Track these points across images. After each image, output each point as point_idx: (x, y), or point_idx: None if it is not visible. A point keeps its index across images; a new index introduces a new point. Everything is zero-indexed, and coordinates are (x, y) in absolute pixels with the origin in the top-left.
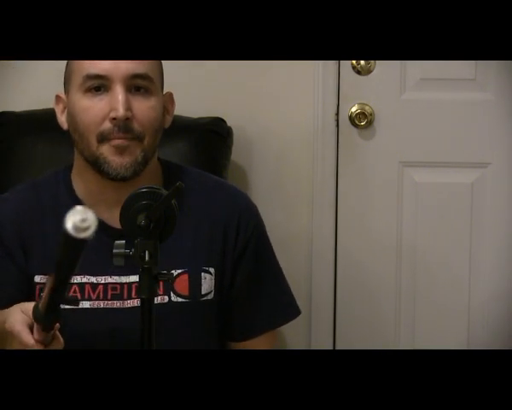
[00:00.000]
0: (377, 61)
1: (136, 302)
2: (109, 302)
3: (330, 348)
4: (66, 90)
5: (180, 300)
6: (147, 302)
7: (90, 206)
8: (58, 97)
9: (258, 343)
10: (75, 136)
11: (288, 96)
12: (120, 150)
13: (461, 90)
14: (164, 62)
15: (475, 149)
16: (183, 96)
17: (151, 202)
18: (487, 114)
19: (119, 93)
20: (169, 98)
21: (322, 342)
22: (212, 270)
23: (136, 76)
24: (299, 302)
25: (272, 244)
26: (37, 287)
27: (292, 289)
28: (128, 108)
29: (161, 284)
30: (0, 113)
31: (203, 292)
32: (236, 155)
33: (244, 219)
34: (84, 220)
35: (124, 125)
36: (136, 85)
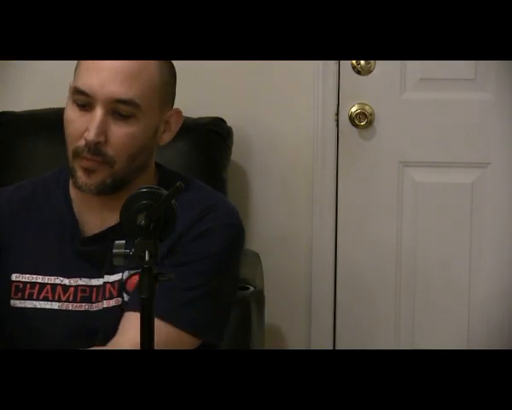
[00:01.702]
0: (377, 61)
1: (100, 305)
2: (77, 304)
3: (330, 348)
4: None
5: None
6: (147, 302)
7: (79, 209)
8: (70, 88)
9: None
10: (65, 138)
11: (287, 96)
12: (88, 172)
13: (461, 90)
14: None
15: (475, 149)
16: (183, 96)
17: (151, 201)
18: (487, 114)
19: (97, 115)
20: (175, 115)
21: (322, 342)
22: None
23: (119, 101)
24: (299, 302)
25: (272, 245)
26: (13, 285)
27: (292, 289)
28: (102, 132)
29: (116, 286)
30: (0, 113)
31: None
32: (236, 155)
33: (205, 219)
34: None
35: (94, 148)
36: (119, 111)
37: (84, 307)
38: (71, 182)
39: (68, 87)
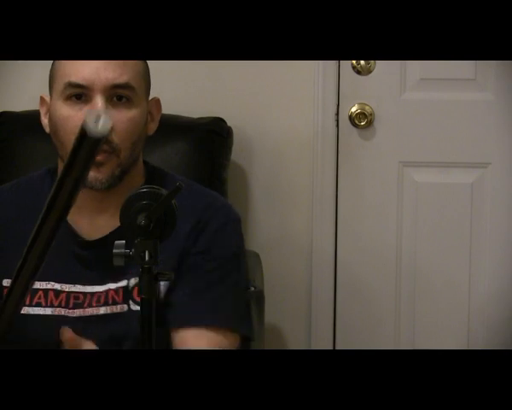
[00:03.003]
0: (377, 61)
1: (94, 311)
2: (70, 311)
3: (330, 348)
4: (50, 93)
5: (138, 308)
6: (147, 302)
7: (71, 212)
8: (42, 99)
9: (195, 338)
10: (56, 141)
11: (287, 96)
12: (97, 166)
13: (461, 90)
14: (164, 63)
15: (475, 149)
16: (183, 96)
17: (151, 201)
18: (487, 114)
19: (98, 103)
20: (155, 104)
21: (322, 342)
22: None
23: (116, 86)
24: (299, 302)
25: (272, 244)
26: (4, 291)
27: (292, 289)
28: None
29: (121, 293)
30: (0, 113)
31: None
32: (236, 155)
33: (208, 219)
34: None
35: None
36: (117, 95)
37: (77, 312)
38: None
39: (39, 99)
